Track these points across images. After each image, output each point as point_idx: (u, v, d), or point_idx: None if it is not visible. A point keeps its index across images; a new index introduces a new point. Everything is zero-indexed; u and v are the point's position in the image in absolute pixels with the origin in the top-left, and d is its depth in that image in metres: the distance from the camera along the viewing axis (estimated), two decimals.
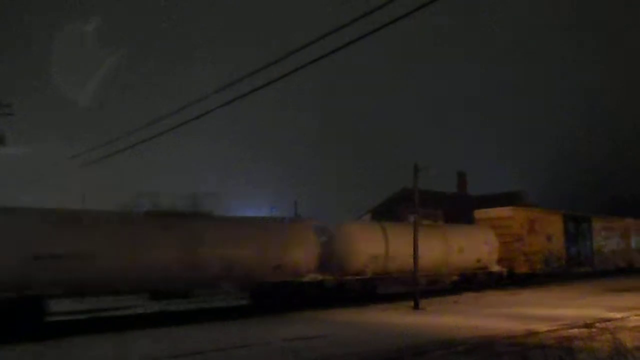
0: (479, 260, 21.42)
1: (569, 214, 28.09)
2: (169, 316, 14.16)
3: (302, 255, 15.72)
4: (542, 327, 11.27)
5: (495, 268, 22.25)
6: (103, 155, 19.40)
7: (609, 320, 12.13)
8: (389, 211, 33.02)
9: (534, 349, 8.26)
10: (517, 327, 11.32)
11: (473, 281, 21.61)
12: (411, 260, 16.20)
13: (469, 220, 25.50)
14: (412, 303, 15.53)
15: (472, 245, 21.21)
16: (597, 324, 11.28)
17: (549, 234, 25.51)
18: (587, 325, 11.06)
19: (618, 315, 13.08)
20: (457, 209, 31.59)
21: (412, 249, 16.24)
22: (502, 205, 26.26)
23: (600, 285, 23.63)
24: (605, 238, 30.44)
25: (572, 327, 11.07)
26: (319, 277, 16.16)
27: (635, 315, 12.97)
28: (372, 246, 17.77)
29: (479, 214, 24.85)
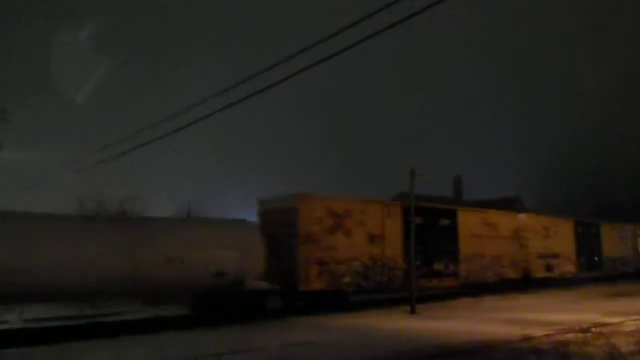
0: (219, 275, 13.46)
1: (428, 207, 19.70)
2: (162, 322, 14.06)
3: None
4: (538, 331, 11.25)
5: (256, 284, 14.25)
6: (99, 160, 19.46)
7: (605, 325, 12.12)
8: None
9: (530, 354, 8.24)
10: (513, 331, 11.30)
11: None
12: None
13: None
14: (408, 308, 15.50)
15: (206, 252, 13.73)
16: (593, 329, 11.27)
17: (373, 233, 17.32)
18: (583, 330, 11.05)
19: (614, 320, 13.07)
20: None
21: None
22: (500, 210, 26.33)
23: (598, 290, 23.68)
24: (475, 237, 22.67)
25: (568, 332, 11.07)
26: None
27: (632, 320, 12.97)
28: None
29: (266, 204, 16.99)
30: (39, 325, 13.54)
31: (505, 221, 22.89)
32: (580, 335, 10.57)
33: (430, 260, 18.88)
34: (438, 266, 19.26)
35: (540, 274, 23.94)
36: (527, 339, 10.44)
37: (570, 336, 10.56)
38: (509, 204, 47.07)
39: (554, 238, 25.32)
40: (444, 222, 20.05)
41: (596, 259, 28.49)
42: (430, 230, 19.06)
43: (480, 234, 21.29)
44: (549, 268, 24.53)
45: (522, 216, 24.42)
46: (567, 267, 25.86)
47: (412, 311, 15.32)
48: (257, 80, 12.23)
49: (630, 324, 12.30)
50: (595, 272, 28.08)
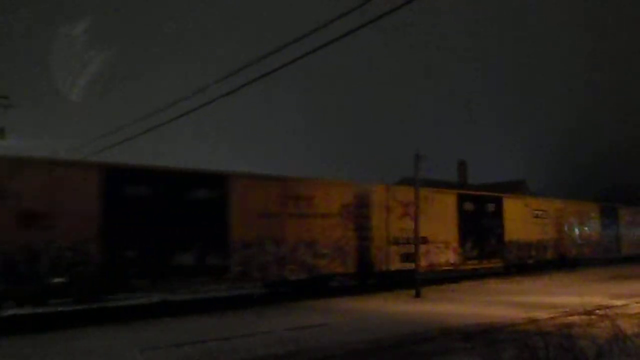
0: None
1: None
2: (170, 306, 14.21)
3: None
4: (543, 314, 11.32)
5: None
6: (101, 148, 19.51)
7: (610, 307, 12.17)
8: None
9: (534, 336, 8.30)
10: (517, 314, 11.37)
11: None
12: None
13: None
14: (413, 291, 15.59)
15: None
16: (597, 311, 11.31)
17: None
18: (587, 313, 11.10)
19: (619, 302, 13.13)
20: None
21: None
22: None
23: (603, 273, 23.74)
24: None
25: (572, 315, 11.12)
26: None
27: (636, 303, 13.01)
28: None
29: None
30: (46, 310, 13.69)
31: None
32: (585, 317, 10.62)
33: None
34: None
35: (391, 265, 17.65)
36: (532, 321, 10.50)
37: (574, 318, 10.62)
38: (513, 188, 47.02)
39: (421, 217, 16.94)
40: (490, 208, 22.13)
41: (495, 245, 21.94)
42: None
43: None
44: (406, 258, 17.78)
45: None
46: (441, 257, 19.36)
47: (417, 294, 15.41)
48: (261, 65, 12.15)
49: (635, 306, 12.35)
50: (491, 263, 21.89)
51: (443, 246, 19.45)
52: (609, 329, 7.67)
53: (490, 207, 22.16)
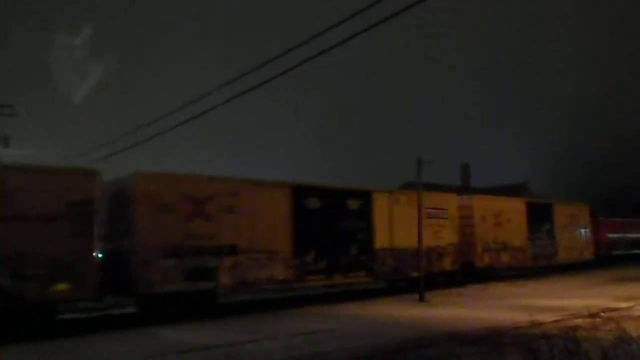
0: None
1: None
2: (179, 314, 14.20)
3: None
4: (547, 317, 11.29)
5: None
6: (105, 154, 19.58)
7: (614, 309, 12.12)
8: None
9: (539, 339, 8.28)
10: (522, 318, 11.34)
11: None
12: None
13: None
14: (417, 296, 15.57)
15: None
16: (602, 314, 11.27)
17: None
18: (592, 315, 11.05)
19: (623, 304, 13.08)
20: None
21: None
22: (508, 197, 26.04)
23: (607, 275, 23.63)
24: None
25: (577, 317, 11.08)
26: None
27: None
28: None
29: None
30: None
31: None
32: (589, 320, 10.58)
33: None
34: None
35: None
36: (536, 324, 10.47)
37: (579, 321, 10.58)
38: (516, 191, 46.93)
39: (228, 218, 13.80)
40: (352, 206, 16.95)
41: (356, 254, 16.81)
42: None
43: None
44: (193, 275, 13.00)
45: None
46: (262, 272, 14.40)
47: (421, 299, 15.38)
48: (260, 72, 12.21)
49: (639, 309, 12.30)
50: (349, 278, 16.78)
51: (265, 257, 14.46)
52: (614, 332, 7.65)
53: (352, 204, 16.82)
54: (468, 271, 20.78)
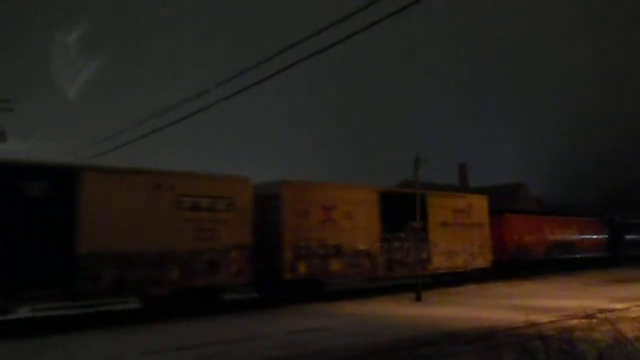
0: None
1: None
2: (177, 311, 14.18)
3: None
4: (543, 318, 11.30)
5: None
6: (101, 152, 19.56)
7: (610, 311, 12.14)
8: None
9: (534, 340, 8.28)
10: (517, 318, 11.33)
11: None
12: None
13: None
14: (414, 295, 15.58)
15: None
16: (598, 315, 11.28)
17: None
18: (588, 316, 11.06)
19: (619, 306, 13.11)
20: None
21: None
22: (504, 197, 25.98)
23: (604, 276, 23.69)
24: None
25: (573, 318, 11.10)
26: None
27: (637, 306, 12.99)
28: None
29: None
30: (45, 314, 13.69)
31: None
32: (585, 321, 10.59)
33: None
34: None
35: None
36: (532, 325, 10.47)
37: (575, 322, 10.59)
38: (513, 190, 46.96)
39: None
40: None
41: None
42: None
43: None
44: None
45: None
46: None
47: (418, 298, 15.39)
48: (262, 68, 12.19)
49: (635, 310, 12.32)
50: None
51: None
52: (609, 333, 7.65)
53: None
54: (273, 284, 15.43)
